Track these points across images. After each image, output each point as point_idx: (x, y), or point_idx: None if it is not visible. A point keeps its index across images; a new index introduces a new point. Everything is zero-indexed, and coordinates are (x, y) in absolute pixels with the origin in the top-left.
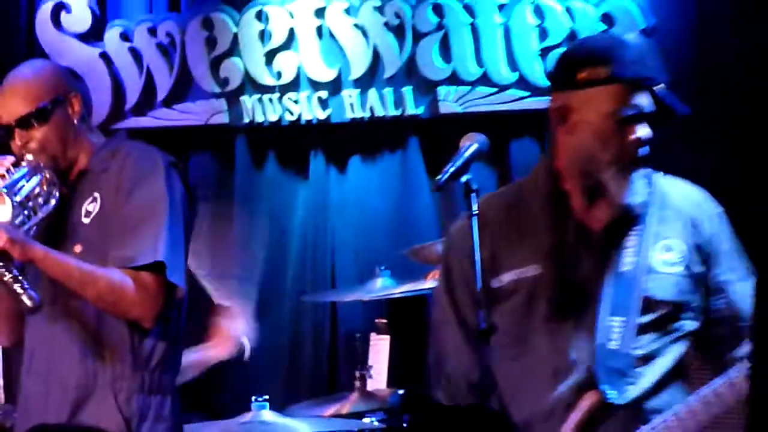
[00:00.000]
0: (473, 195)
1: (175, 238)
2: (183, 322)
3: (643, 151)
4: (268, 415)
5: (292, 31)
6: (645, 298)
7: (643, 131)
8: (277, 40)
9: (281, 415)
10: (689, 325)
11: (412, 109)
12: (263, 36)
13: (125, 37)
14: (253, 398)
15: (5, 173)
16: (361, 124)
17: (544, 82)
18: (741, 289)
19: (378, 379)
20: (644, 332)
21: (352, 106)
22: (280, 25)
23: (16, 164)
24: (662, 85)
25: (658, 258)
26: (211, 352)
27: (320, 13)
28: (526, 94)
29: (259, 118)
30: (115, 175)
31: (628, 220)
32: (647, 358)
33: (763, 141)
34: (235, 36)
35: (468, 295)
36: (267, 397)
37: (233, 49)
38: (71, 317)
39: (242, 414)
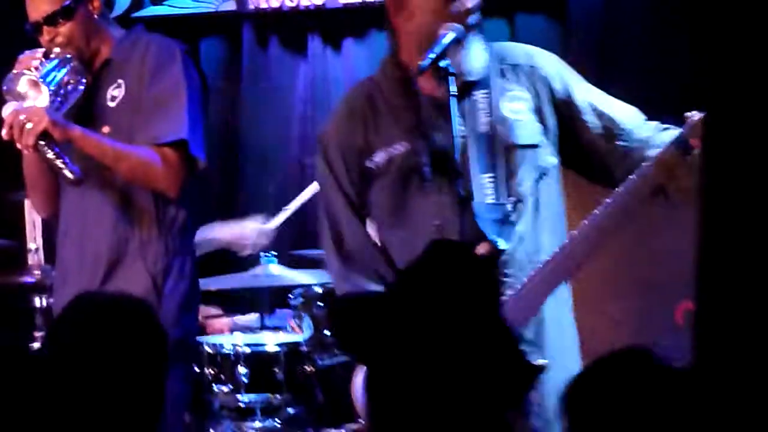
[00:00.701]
0: (451, 78)
1: (195, 118)
2: (197, 193)
3: (473, 18)
4: (276, 268)
5: None
6: (505, 147)
7: (470, 1)
8: None
9: (286, 268)
10: (549, 161)
11: None
12: None
13: None
14: (262, 254)
15: (38, 65)
16: (353, 8)
17: None
18: (608, 104)
19: None
20: (511, 177)
21: None
22: None
23: (46, 56)
24: None
25: (508, 109)
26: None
27: None
28: None
29: (263, 5)
30: (137, 63)
31: (471, 85)
32: (519, 200)
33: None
34: None
35: (349, 176)
36: (275, 253)
37: None
38: (103, 189)
39: (254, 267)
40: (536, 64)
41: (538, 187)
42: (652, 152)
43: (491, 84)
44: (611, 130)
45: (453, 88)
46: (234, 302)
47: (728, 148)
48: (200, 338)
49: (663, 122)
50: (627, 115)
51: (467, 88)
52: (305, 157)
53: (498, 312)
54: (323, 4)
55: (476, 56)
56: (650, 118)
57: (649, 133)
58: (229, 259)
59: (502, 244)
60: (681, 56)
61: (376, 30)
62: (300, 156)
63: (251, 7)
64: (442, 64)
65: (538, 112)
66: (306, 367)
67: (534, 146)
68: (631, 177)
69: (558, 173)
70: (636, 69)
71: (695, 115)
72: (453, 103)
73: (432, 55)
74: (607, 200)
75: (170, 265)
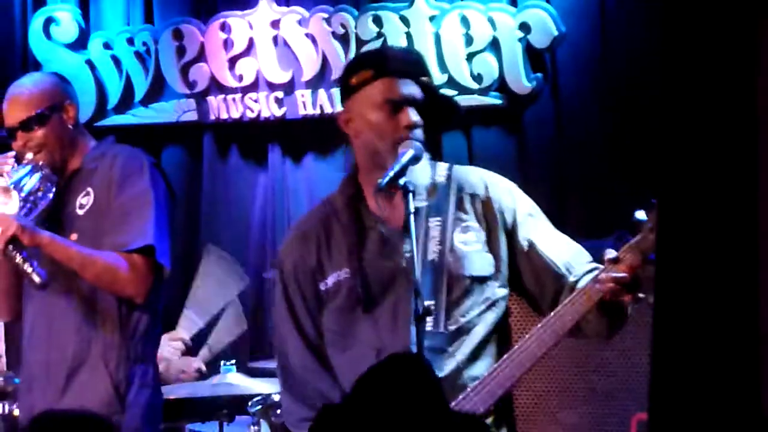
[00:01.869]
0: (410, 195)
1: (161, 225)
2: (163, 299)
3: (416, 134)
4: (235, 377)
5: (251, 40)
6: (450, 277)
7: (413, 115)
8: (238, 47)
9: (246, 377)
10: (497, 293)
11: None
12: (226, 44)
13: (107, 45)
14: (222, 362)
15: (9, 170)
16: (312, 120)
17: (469, 83)
18: (549, 244)
19: None
20: (454, 309)
21: (304, 104)
22: (241, 34)
23: (18, 161)
24: (426, 78)
25: (458, 240)
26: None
27: (276, 24)
28: (455, 92)
29: (224, 116)
30: (106, 172)
31: (426, 212)
32: (462, 332)
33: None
34: (202, 44)
35: (302, 304)
36: (234, 361)
37: (200, 56)
38: (68, 293)
39: (212, 377)
40: (493, 195)
41: (484, 317)
42: (565, 298)
43: (447, 212)
44: (540, 269)
45: (412, 206)
46: (194, 411)
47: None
48: None
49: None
50: (561, 255)
51: (417, 212)
52: (263, 269)
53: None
54: (283, 115)
55: (422, 172)
56: (602, 228)
57: (575, 276)
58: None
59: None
60: (633, 163)
61: (336, 143)
62: (257, 267)
63: (212, 117)
64: (401, 181)
65: (491, 243)
66: None
67: (484, 278)
68: (554, 315)
69: (506, 302)
70: (591, 178)
71: (609, 253)
72: (411, 222)
73: (390, 173)
74: (537, 328)
75: (133, 373)
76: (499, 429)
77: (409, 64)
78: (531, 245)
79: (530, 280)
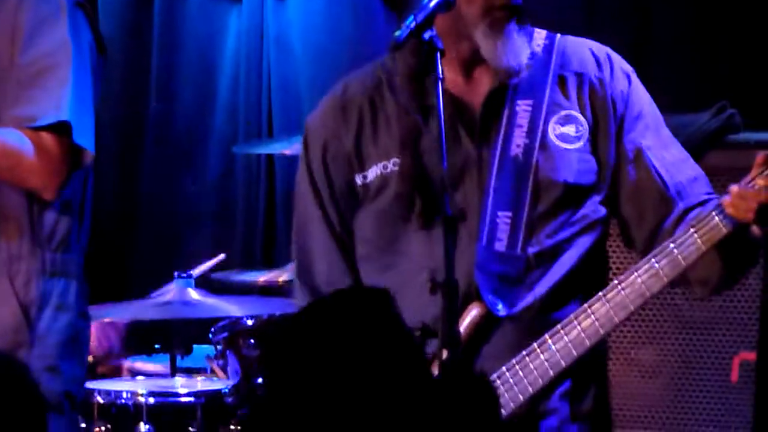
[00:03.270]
0: (438, 54)
1: (82, 94)
2: (90, 193)
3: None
4: (192, 293)
5: None
6: (537, 182)
7: None
8: None
9: (208, 294)
10: (598, 210)
11: None
12: None
13: None
14: (176, 273)
15: None
16: None
17: None
18: (661, 155)
19: None
20: (539, 226)
21: None
22: None
23: None
24: None
25: (554, 132)
26: None
27: None
28: None
29: None
30: (9, 17)
31: (512, 89)
32: (545, 258)
33: None
34: None
35: (333, 194)
36: (192, 272)
37: None
38: None
39: (162, 291)
40: (606, 78)
41: (577, 242)
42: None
43: (542, 94)
44: (645, 186)
45: (440, 69)
46: (136, 339)
47: None
48: (89, 384)
49: None
50: (675, 175)
51: (501, 92)
52: (233, 141)
53: None
54: None
55: (516, 50)
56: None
57: (686, 205)
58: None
59: (501, 310)
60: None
61: None
62: (227, 139)
63: None
64: (426, 35)
65: (597, 142)
66: (231, 425)
67: (584, 188)
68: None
69: (607, 225)
70: (683, 31)
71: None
72: (439, 93)
73: (411, 23)
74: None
75: (47, 291)
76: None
77: None
78: (639, 153)
79: (628, 198)
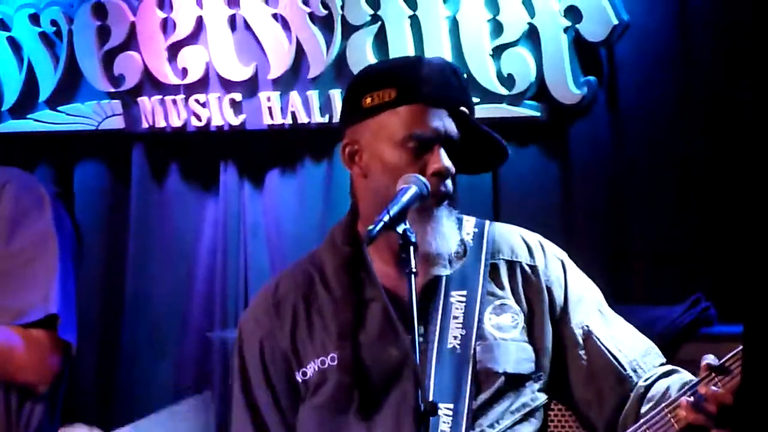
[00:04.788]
0: (412, 248)
1: (67, 285)
2: (65, 384)
3: (447, 185)
4: None
5: (200, 21)
6: (476, 373)
7: (445, 159)
8: (182, 31)
9: None
10: (537, 398)
11: None
12: (166, 26)
13: (3, 24)
14: None
15: None
16: (280, 131)
17: (496, 86)
18: (610, 335)
19: None
20: (481, 416)
21: (270, 110)
22: (186, 13)
23: None
24: (465, 110)
25: (490, 323)
26: None
27: (234, 0)
28: (476, 99)
29: (161, 123)
30: None
31: (446, 282)
32: None
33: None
34: (133, 25)
35: (268, 395)
36: None
37: (130, 42)
38: None
39: None
40: (539, 264)
41: (519, 430)
42: (646, 408)
43: (475, 284)
44: (599, 368)
45: (413, 264)
46: None
47: None
48: None
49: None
50: (627, 352)
51: (435, 284)
52: (208, 328)
53: None
54: (241, 124)
55: (448, 238)
56: (675, 291)
57: (646, 380)
58: None
59: None
60: (720, 202)
61: (311, 162)
62: (202, 326)
63: (144, 125)
64: (400, 229)
65: (532, 330)
66: None
67: (521, 377)
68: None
69: (545, 413)
70: (659, 221)
71: (708, 359)
72: (412, 286)
73: (385, 218)
74: None
75: None
76: None
77: (448, 87)
78: (588, 335)
79: (583, 382)
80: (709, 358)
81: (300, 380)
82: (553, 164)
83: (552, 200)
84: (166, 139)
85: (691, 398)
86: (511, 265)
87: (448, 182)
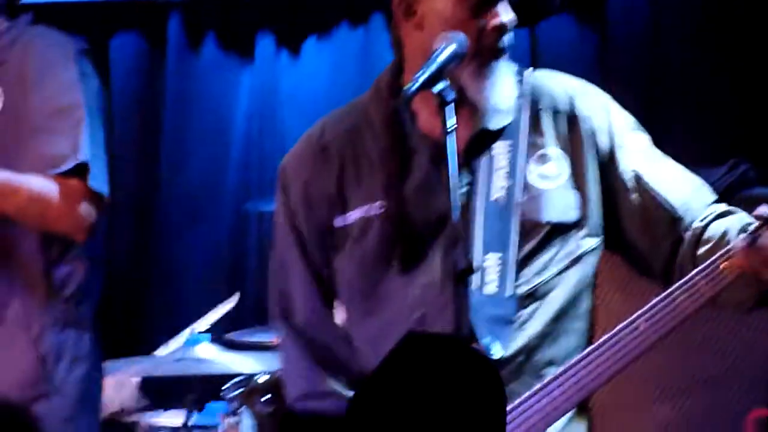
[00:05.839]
0: (449, 107)
1: (96, 136)
2: (102, 242)
3: (506, 40)
4: (207, 349)
5: None
6: (522, 223)
7: (505, 15)
8: None
9: (223, 349)
10: (583, 245)
11: None
12: None
13: None
14: (190, 329)
15: None
16: None
17: None
18: (660, 177)
19: None
20: (528, 264)
21: None
22: None
23: None
24: None
25: (535, 172)
26: None
27: None
28: None
29: None
30: (18, 65)
31: (494, 133)
32: (534, 296)
33: None
34: None
35: (315, 234)
36: (206, 328)
37: None
38: None
39: (176, 348)
40: (580, 111)
41: (566, 277)
42: (703, 250)
43: (518, 135)
44: (652, 211)
45: (451, 121)
46: (150, 396)
47: None
48: None
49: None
50: (678, 192)
51: (484, 137)
52: (246, 199)
53: None
54: None
55: (504, 92)
56: (712, 153)
57: (702, 220)
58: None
59: (497, 352)
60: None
61: (348, 27)
62: (239, 197)
63: None
64: (436, 88)
65: (577, 178)
66: None
67: (567, 225)
68: (691, 277)
69: (596, 258)
70: (698, 87)
71: (762, 209)
72: (451, 144)
73: (422, 76)
74: (656, 301)
75: (62, 343)
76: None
77: None
78: (638, 179)
79: (636, 227)
80: (763, 209)
81: (340, 225)
82: (590, 34)
83: (588, 70)
84: (203, 7)
85: (746, 243)
86: (554, 113)
87: (506, 37)
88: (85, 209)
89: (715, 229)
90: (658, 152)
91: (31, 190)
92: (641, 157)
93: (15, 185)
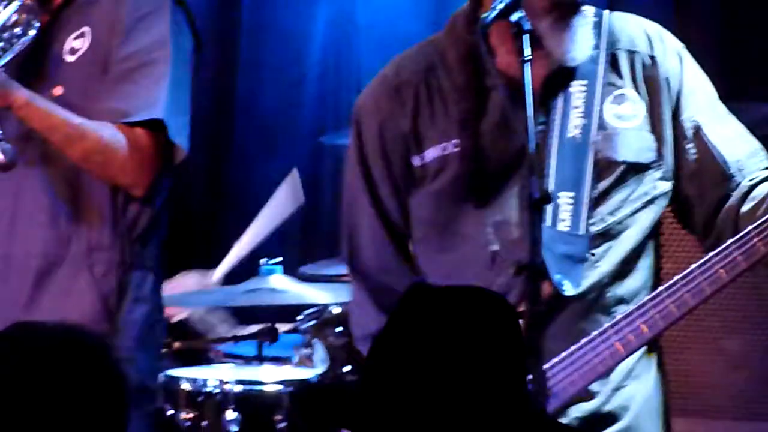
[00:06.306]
0: (525, 37)
1: (179, 92)
2: (165, 192)
3: None
4: (280, 280)
5: None
6: (597, 162)
7: None
8: None
9: (296, 281)
10: (658, 186)
11: None
12: None
13: None
14: (262, 260)
15: None
16: None
17: None
18: (719, 132)
19: None
20: (601, 204)
21: None
22: None
23: None
24: None
25: (611, 112)
26: None
27: None
28: None
29: None
30: (110, 8)
31: (570, 72)
32: (607, 236)
33: None
34: None
35: (388, 176)
36: (280, 259)
37: None
38: (43, 173)
39: (248, 279)
40: (658, 54)
41: (639, 218)
42: (747, 208)
43: (594, 74)
44: (705, 163)
45: (527, 51)
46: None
47: None
48: (176, 371)
49: None
50: (734, 151)
51: (561, 75)
52: (322, 132)
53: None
54: None
55: (582, 39)
56: None
57: (751, 180)
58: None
59: (568, 289)
60: None
61: None
62: (314, 130)
63: None
64: (514, 17)
65: (654, 119)
66: None
67: (641, 166)
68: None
69: (667, 201)
70: None
71: None
72: (527, 74)
73: (500, 4)
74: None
75: (125, 283)
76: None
77: None
78: (697, 130)
79: (688, 177)
80: None
81: (418, 164)
82: None
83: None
84: None
85: None
86: (631, 54)
87: None
88: (151, 164)
89: (762, 189)
90: (722, 109)
91: (100, 138)
92: (705, 110)
93: (84, 129)
